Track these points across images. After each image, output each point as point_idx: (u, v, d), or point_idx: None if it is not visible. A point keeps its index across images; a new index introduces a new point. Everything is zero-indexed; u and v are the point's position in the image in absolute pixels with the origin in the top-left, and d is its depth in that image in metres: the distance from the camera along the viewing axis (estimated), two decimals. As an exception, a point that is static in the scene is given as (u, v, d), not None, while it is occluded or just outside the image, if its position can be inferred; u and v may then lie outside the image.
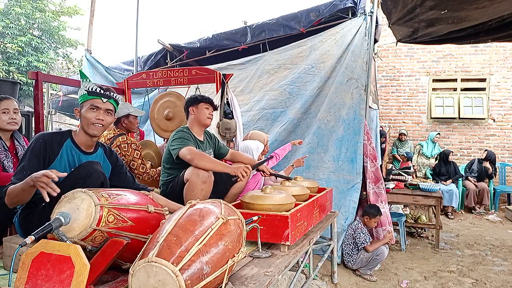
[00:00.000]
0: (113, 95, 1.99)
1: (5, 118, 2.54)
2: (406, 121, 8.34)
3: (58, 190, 1.51)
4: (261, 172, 3.08)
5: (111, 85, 4.44)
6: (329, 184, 4.00)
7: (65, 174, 1.59)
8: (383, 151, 6.88)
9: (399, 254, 4.41)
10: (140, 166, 3.21)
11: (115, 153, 2.20)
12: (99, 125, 1.94)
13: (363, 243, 3.68)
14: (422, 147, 7.55)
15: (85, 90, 1.93)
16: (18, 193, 1.68)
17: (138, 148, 3.21)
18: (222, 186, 2.87)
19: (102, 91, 1.94)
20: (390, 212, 4.59)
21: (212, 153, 3.08)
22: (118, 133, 3.17)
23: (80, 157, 1.98)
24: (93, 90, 1.92)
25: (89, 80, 1.99)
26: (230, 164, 3.16)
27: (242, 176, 2.56)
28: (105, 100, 1.94)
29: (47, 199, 1.51)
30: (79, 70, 2.19)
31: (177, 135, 2.81)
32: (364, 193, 4.33)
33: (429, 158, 7.43)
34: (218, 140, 3.21)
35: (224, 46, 5.30)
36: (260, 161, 3.04)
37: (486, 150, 7.13)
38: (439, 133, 7.68)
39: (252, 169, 2.66)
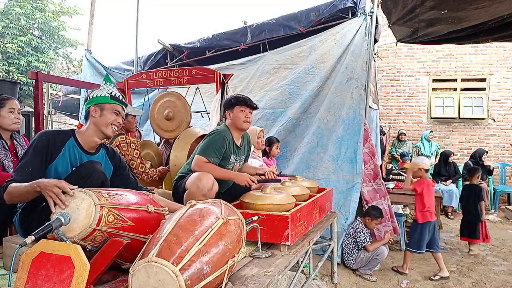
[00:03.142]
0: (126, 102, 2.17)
1: (11, 118, 2.55)
2: (406, 121, 8.34)
3: (68, 204, 1.50)
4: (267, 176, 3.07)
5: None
6: (329, 184, 3.99)
7: (76, 187, 1.57)
8: (383, 150, 6.86)
9: (399, 254, 4.41)
10: (140, 166, 3.21)
11: (118, 155, 2.20)
12: (116, 127, 2.06)
13: (364, 243, 3.68)
14: (420, 148, 7.51)
15: (108, 93, 2.03)
16: (21, 194, 1.68)
17: (137, 147, 3.22)
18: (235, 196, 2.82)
19: (124, 99, 2.11)
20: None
21: (244, 159, 3.01)
22: (117, 132, 3.18)
23: (82, 156, 1.98)
24: (117, 96, 2.05)
25: (114, 85, 2.08)
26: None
27: (247, 184, 2.57)
28: (124, 108, 2.12)
29: (54, 210, 1.50)
30: (106, 75, 2.32)
31: (209, 139, 2.65)
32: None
33: (430, 157, 7.41)
34: (250, 147, 3.16)
35: (224, 46, 5.30)
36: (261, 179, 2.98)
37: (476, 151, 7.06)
38: (431, 131, 7.66)
39: (258, 182, 2.67)
